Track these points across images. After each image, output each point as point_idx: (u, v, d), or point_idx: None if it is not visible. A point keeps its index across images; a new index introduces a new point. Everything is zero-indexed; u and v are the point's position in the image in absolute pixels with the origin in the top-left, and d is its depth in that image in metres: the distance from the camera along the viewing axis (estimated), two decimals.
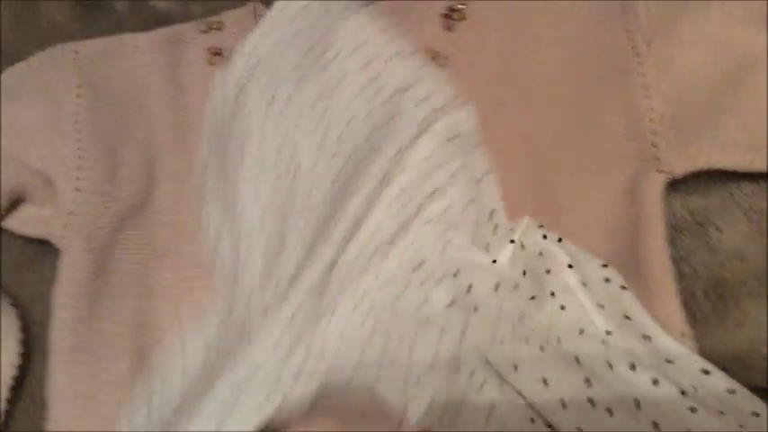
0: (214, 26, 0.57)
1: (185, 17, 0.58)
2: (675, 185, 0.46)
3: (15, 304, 0.50)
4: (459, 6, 0.53)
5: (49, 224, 0.50)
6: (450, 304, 0.43)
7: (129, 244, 0.51)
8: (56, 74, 0.53)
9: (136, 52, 0.55)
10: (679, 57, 0.46)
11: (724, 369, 0.39)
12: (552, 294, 0.42)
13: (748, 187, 0.46)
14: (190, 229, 0.51)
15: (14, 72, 0.54)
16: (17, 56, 0.54)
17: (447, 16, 0.53)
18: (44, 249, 0.50)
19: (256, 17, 0.57)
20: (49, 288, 0.47)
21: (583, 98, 0.48)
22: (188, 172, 0.52)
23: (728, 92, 0.45)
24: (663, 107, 0.46)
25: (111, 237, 0.50)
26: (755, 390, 0.39)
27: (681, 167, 0.45)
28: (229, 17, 0.57)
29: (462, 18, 0.53)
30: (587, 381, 0.39)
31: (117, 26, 0.57)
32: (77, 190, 0.49)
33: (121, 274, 0.50)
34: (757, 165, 0.45)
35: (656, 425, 0.38)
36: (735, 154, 0.45)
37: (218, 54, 0.57)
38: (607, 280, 0.42)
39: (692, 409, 0.38)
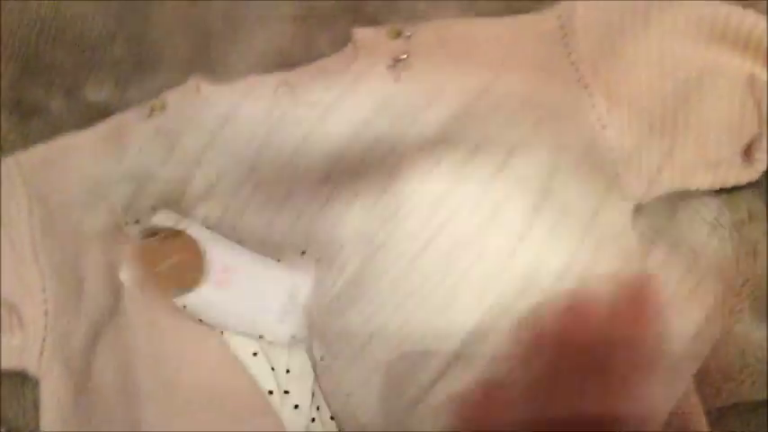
0: (157, 108, 0.55)
1: (124, 105, 0.56)
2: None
3: None
4: (402, 57, 0.52)
5: (22, 354, 0.48)
6: None
7: (107, 354, 0.49)
8: (3, 191, 0.51)
9: (80, 152, 0.54)
10: (625, 82, 0.46)
11: None
12: None
13: (713, 202, 0.46)
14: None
15: None
16: None
17: (392, 67, 0.52)
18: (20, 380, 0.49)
19: (199, 91, 0.56)
20: (31, 419, 0.47)
21: (543, 140, 0.47)
22: None
23: (679, 111, 0.45)
24: (619, 136, 0.46)
25: (87, 353, 0.48)
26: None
27: (645, 195, 0.45)
28: (171, 96, 0.56)
29: (408, 68, 0.52)
30: None
31: (55, 129, 0.55)
32: (46, 314, 0.48)
33: (105, 387, 0.48)
34: (720, 181, 0.45)
35: None
36: (695, 175, 0.45)
37: None
38: None
39: None
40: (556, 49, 0.48)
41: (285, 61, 0.58)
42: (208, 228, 0.48)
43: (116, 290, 0.50)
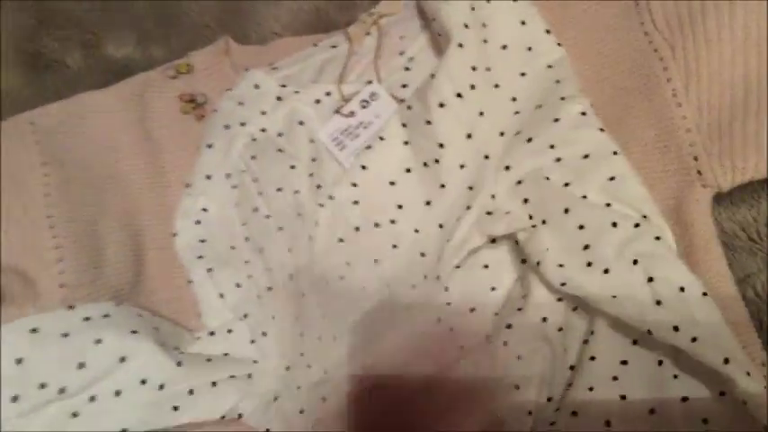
0: (183, 70, 0.52)
1: (147, 64, 0.52)
2: (718, 196, 0.42)
3: None
4: None
5: None
6: None
7: None
8: (15, 153, 0.46)
9: (99, 113, 0.50)
10: (706, 58, 0.42)
11: None
12: None
13: None
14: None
15: None
16: None
17: None
18: None
19: (229, 53, 0.52)
20: None
21: (612, 112, 0.44)
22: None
23: (765, 92, 0.41)
24: (696, 115, 0.42)
25: None
26: None
27: (727, 181, 0.41)
28: (199, 57, 0.52)
29: None
30: None
31: (72, 85, 0.51)
32: (62, 286, 0.44)
33: None
34: None
35: None
36: None
37: (191, 101, 0.51)
38: None
39: None
40: (629, 19, 0.44)
41: (321, 23, 0.54)
42: None
43: (139, 260, 0.47)
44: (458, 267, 0.47)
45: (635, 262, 0.39)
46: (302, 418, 0.45)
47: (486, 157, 0.45)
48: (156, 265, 0.48)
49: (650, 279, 0.39)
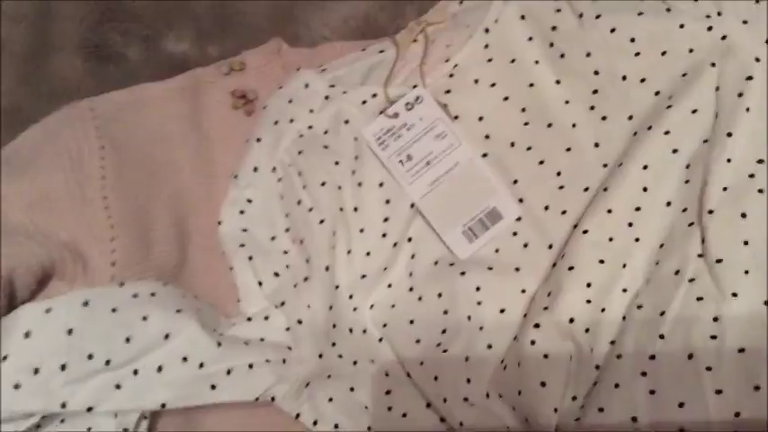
0: (236, 67, 0.54)
1: (203, 60, 0.55)
2: None
3: None
4: None
5: None
6: None
7: None
8: (75, 136, 0.49)
9: (155, 103, 0.52)
10: None
11: None
12: None
13: None
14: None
15: (29, 136, 0.50)
16: (24, 116, 0.51)
17: None
18: None
19: (281, 54, 0.54)
20: None
21: None
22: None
23: None
24: None
25: None
26: None
27: None
28: (252, 56, 0.54)
29: None
30: None
31: (131, 76, 0.54)
32: (113, 264, 0.46)
33: None
34: None
35: None
36: None
37: (242, 97, 0.53)
38: None
39: None
40: None
41: (369, 29, 0.56)
42: None
43: (184, 245, 0.50)
44: (491, 269, 0.48)
45: None
46: (330, 406, 0.46)
47: None
48: (199, 251, 0.50)
49: None
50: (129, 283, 0.45)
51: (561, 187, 0.49)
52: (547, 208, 0.49)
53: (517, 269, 0.48)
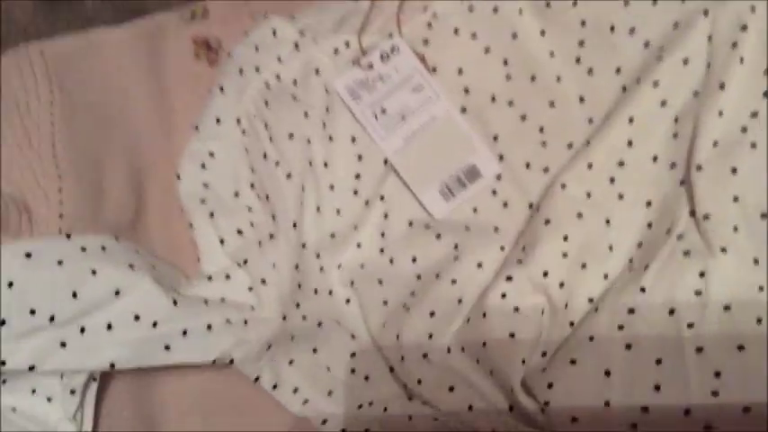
0: (199, 12, 0.50)
1: (164, 4, 0.51)
2: None
3: None
4: None
5: None
6: None
7: None
8: (23, 82, 0.45)
9: (111, 49, 0.48)
10: None
11: None
12: None
13: None
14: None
15: None
16: None
17: None
18: None
19: (247, 1, 0.51)
20: None
21: None
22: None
23: None
24: None
25: None
26: None
27: None
28: (216, 3, 0.51)
29: None
30: None
31: (86, 20, 0.50)
32: (61, 217, 0.43)
33: None
34: None
35: None
36: None
37: (205, 45, 0.50)
38: None
39: None
40: None
41: None
42: None
43: (140, 200, 0.47)
44: (468, 230, 0.46)
45: None
46: (291, 369, 0.44)
47: None
48: (157, 207, 0.47)
49: None
50: (77, 235, 0.41)
51: (544, 144, 0.46)
52: (528, 165, 0.47)
53: (496, 229, 0.46)
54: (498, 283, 0.43)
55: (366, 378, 0.44)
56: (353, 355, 0.44)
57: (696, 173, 0.41)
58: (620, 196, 0.43)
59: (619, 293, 0.40)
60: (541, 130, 0.46)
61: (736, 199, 0.40)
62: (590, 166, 0.43)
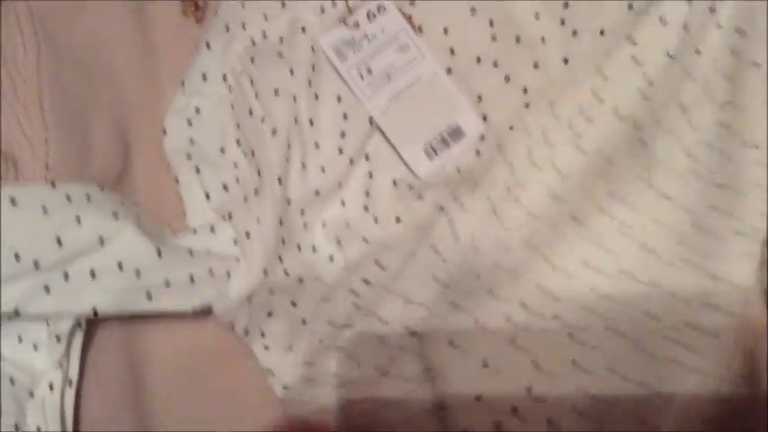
0: None
1: None
2: None
3: None
4: None
5: None
6: None
7: None
8: (10, 35, 0.46)
9: (98, 5, 0.49)
10: None
11: None
12: None
13: None
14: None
15: None
16: None
17: None
18: None
19: None
20: None
21: None
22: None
23: None
24: None
25: None
26: None
27: None
28: None
29: None
30: None
31: None
32: (48, 168, 0.43)
33: None
34: None
35: None
36: None
37: (192, 2, 0.50)
38: None
39: None
40: None
41: None
42: None
43: (126, 154, 0.47)
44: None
45: None
46: (269, 321, 0.45)
47: None
48: (142, 162, 0.48)
49: None
50: (62, 183, 0.42)
51: (527, 105, 0.47)
52: (512, 127, 0.47)
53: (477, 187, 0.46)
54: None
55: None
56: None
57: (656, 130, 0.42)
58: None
59: None
60: (525, 91, 0.47)
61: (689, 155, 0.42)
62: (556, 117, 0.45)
